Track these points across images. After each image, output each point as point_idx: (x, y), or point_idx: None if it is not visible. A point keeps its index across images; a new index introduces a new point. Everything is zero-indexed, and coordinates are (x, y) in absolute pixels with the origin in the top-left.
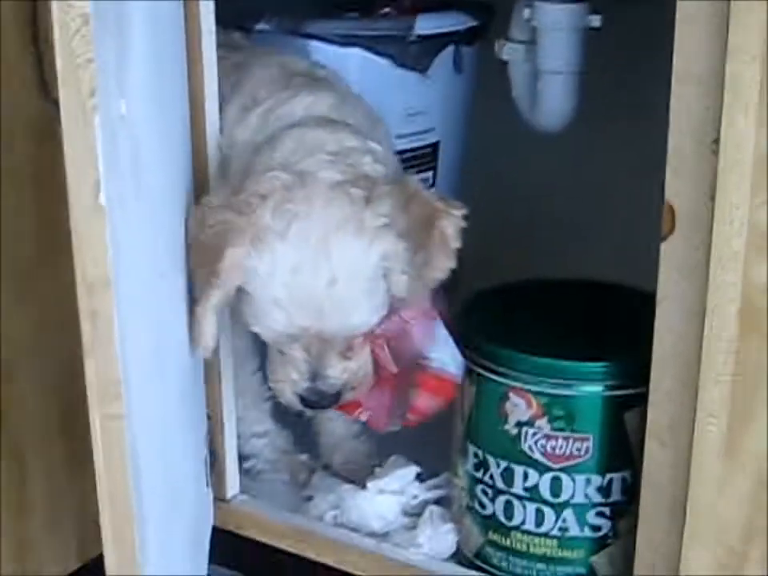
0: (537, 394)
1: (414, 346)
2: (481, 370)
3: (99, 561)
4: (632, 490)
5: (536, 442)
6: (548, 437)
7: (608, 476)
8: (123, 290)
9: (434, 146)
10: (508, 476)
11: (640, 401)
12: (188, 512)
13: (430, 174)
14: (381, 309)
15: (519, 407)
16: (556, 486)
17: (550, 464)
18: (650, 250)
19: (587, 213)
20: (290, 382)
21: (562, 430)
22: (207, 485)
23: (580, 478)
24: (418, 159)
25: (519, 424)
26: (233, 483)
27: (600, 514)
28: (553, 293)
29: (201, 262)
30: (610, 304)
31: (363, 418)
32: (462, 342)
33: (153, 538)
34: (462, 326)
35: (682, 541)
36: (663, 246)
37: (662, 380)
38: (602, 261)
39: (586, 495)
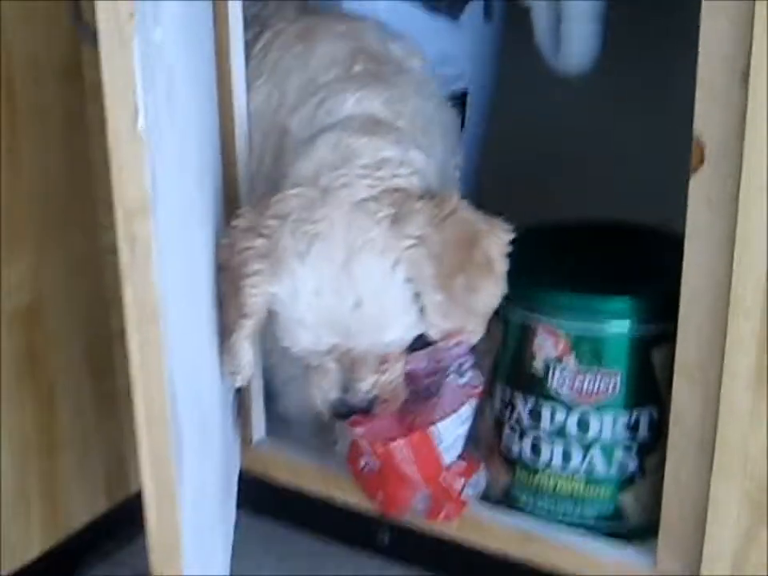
0: (564, 331)
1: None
2: (508, 309)
3: (127, 503)
4: (659, 428)
5: (564, 380)
6: (575, 374)
7: (635, 414)
8: (160, 216)
9: (463, 93)
10: (535, 415)
11: (667, 338)
12: (217, 452)
13: (458, 118)
14: (414, 327)
15: (547, 345)
16: (583, 425)
17: (577, 402)
18: (676, 190)
19: (612, 155)
20: (321, 390)
21: (589, 367)
22: (234, 427)
23: (607, 416)
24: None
25: (547, 362)
26: (258, 427)
27: (627, 452)
28: (579, 234)
29: (229, 291)
30: (635, 244)
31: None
32: None
33: (189, 472)
34: None
35: (711, 476)
36: (692, 180)
37: (690, 315)
38: (627, 202)
39: (613, 433)
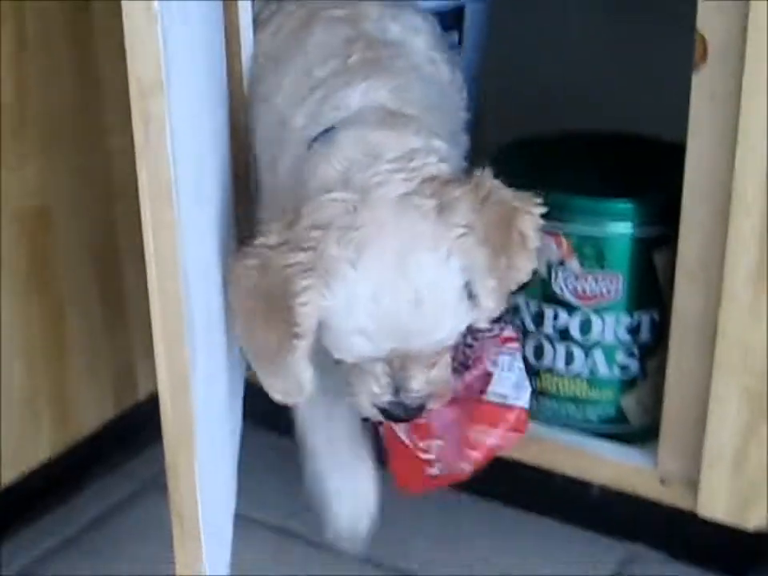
0: (567, 234)
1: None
2: None
3: (135, 409)
4: (660, 331)
5: (566, 283)
6: (578, 277)
7: (637, 316)
8: (173, 97)
9: (460, 9)
10: (538, 318)
11: (669, 240)
12: (223, 350)
13: (455, 34)
14: (466, 318)
15: (550, 248)
16: (586, 327)
17: (579, 304)
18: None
19: (615, 70)
20: (370, 395)
21: (591, 269)
22: None
23: (609, 318)
24: (445, 20)
25: (550, 264)
26: None
27: (629, 355)
28: (579, 143)
29: (271, 310)
30: (637, 154)
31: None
32: None
33: (201, 359)
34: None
35: (711, 371)
36: (694, 77)
37: (692, 212)
38: (630, 117)
39: (616, 335)
